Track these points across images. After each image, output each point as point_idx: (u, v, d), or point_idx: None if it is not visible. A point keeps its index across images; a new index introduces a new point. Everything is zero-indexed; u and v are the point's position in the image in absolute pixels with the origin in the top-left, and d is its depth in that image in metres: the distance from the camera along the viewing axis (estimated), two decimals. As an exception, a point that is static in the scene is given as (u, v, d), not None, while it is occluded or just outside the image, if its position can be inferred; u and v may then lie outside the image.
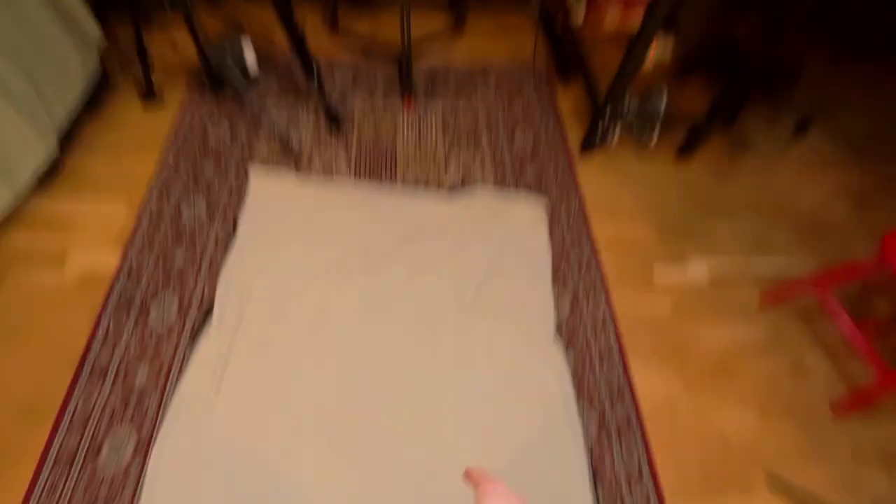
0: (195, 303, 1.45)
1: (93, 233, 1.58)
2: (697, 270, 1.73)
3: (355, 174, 1.82)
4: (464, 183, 1.84)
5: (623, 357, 1.49)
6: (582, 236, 1.75)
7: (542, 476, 1.25)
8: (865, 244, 1.84)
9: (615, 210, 1.85)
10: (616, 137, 1.99)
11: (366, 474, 1.20)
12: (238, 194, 1.71)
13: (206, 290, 1.48)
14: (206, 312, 1.43)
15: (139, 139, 1.85)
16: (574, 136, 2.07)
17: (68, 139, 1.77)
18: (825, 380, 1.52)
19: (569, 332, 1.52)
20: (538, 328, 1.48)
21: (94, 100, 1.91)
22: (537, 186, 1.87)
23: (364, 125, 2.00)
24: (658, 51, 2.35)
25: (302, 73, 1.97)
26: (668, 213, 1.87)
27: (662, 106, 1.95)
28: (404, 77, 2.10)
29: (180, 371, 1.32)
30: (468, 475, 0.48)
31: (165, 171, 1.74)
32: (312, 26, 2.43)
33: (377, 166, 1.86)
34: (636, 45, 1.63)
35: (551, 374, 1.40)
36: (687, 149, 2.02)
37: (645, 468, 1.30)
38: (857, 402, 1.41)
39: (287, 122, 1.97)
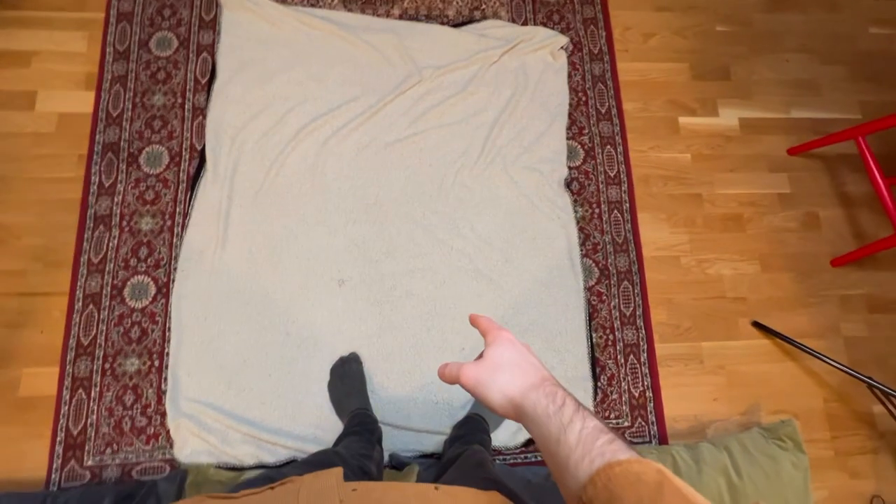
0: (185, 151, 1.37)
1: (57, 70, 1.41)
2: (728, 117, 1.58)
3: (344, 1, 1.55)
4: (473, 14, 1.57)
5: (633, 207, 1.45)
6: (605, 77, 1.55)
7: (541, 317, 1.32)
8: (924, 88, 1.64)
9: (646, 45, 1.61)
10: (661, -51, 1.63)
11: (375, 314, 1.28)
12: (211, 27, 1.47)
13: (193, 137, 1.38)
14: (200, 160, 1.36)
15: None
16: (609, -53, 1.69)
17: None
18: (834, 233, 1.51)
19: (580, 182, 1.46)
20: (548, 177, 1.42)
21: None
22: (559, 18, 1.59)
23: (352, -69, 1.62)
24: None
25: None
26: (706, 51, 1.63)
27: None
28: None
29: (183, 219, 1.31)
30: (475, 321, 0.49)
31: (122, -6, 1.48)
32: None
33: (371, -12, 1.56)
34: None
35: (557, 223, 1.39)
36: (745, -35, 1.66)
37: (639, 312, 1.38)
38: (859, 254, 1.42)
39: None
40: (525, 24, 1.57)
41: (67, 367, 1.19)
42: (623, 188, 1.46)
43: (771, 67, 1.63)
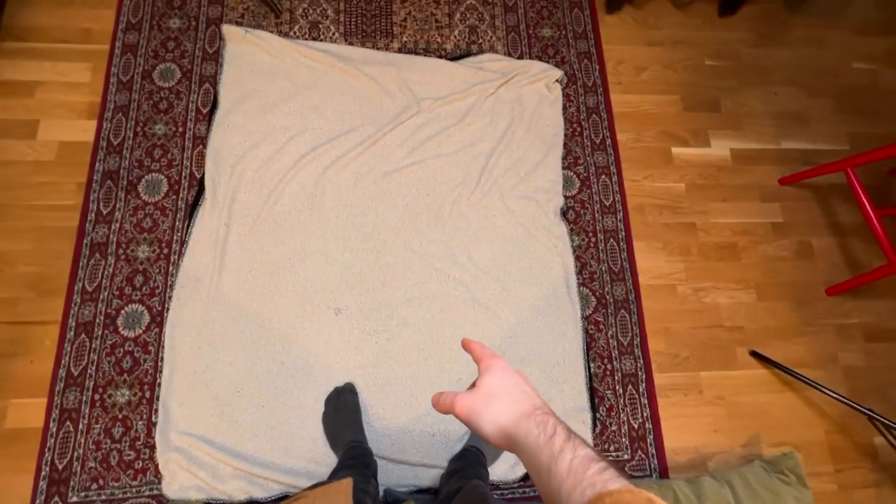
0: (185, 179, 1.38)
1: (60, 100, 1.42)
2: (720, 148, 1.61)
3: (345, 34, 1.59)
4: (470, 47, 1.62)
5: (629, 236, 1.46)
6: (599, 109, 1.59)
7: (538, 346, 1.31)
8: (909, 120, 1.68)
9: (639, 78, 1.66)
10: (650, -12, 1.69)
11: (371, 343, 1.27)
12: (214, 59, 1.51)
13: (193, 166, 1.39)
14: (199, 188, 1.36)
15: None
16: (601, -15, 1.76)
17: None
18: (827, 262, 1.52)
19: (576, 211, 1.47)
20: (544, 206, 1.43)
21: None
22: (554, 52, 1.64)
23: (353, -31, 1.68)
24: None
25: None
26: (697, 84, 1.68)
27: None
28: None
29: (180, 247, 1.31)
30: (468, 347, 0.48)
31: (127, 30, 1.51)
32: None
33: (370, 25, 1.61)
34: None
35: (554, 252, 1.39)
36: (732, 4, 1.73)
37: (637, 341, 1.37)
38: (854, 283, 1.42)
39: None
40: (521, 57, 1.61)
41: (56, 397, 1.16)
42: (619, 217, 1.48)
43: (760, 100, 1.68)
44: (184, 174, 1.38)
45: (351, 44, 1.57)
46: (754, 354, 1.41)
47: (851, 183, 1.37)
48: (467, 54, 1.60)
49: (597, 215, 1.47)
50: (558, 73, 1.58)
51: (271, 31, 1.54)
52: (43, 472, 1.11)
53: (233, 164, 1.38)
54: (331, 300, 1.30)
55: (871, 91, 1.73)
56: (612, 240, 1.46)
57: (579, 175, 1.51)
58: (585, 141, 1.55)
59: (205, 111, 1.45)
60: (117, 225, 1.32)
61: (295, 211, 1.36)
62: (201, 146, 1.41)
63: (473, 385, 0.44)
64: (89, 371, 1.19)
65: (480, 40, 1.63)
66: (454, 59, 1.58)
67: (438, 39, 1.62)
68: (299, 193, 1.38)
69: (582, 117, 1.57)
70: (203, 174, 1.37)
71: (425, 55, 1.58)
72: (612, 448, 1.27)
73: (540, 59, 1.62)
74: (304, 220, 1.36)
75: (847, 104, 1.70)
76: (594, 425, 1.28)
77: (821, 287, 1.49)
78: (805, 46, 1.77)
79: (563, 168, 1.50)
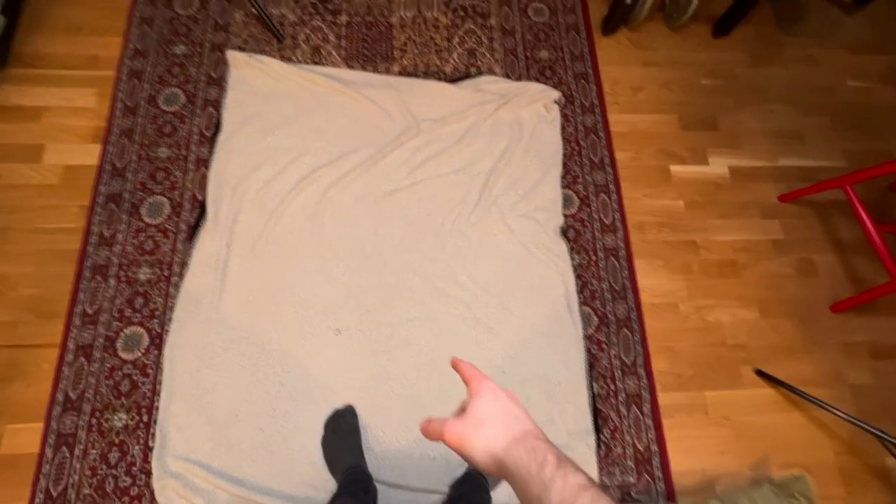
0: (186, 201, 1.39)
1: (66, 124, 1.45)
2: (718, 165, 1.62)
3: (346, 58, 1.62)
4: (469, 70, 1.65)
5: (629, 254, 1.46)
6: (597, 128, 1.61)
7: (541, 366, 1.30)
8: (906, 137, 1.69)
9: (636, 99, 1.68)
10: (645, 12, 1.73)
11: (372, 364, 1.26)
12: (218, 84, 1.53)
13: (195, 188, 1.41)
14: (200, 210, 1.37)
15: (95, 14, 1.60)
16: (597, 11, 1.79)
17: (12, 24, 1.54)
18: (830, 279, 1.51)
19: (576, 230, 1.47)
20: (544, 225, 1.43)
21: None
22: (551, 73, 1.67)
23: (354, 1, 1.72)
24: None
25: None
26: (693, 103, 1.70)
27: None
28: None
29: (182, 269, 1.31)
30: (457, 366, 0.47)
31: (133, 57, 1.55)
32: None
33: (370, 49, 1.64)
34: None
35: (555, 271, 1.39)
36: (725, 25, 1.76)
37: (640, 361, 1.36)
38: (858, 300, 1.41)
39: (266, -6, 1.70)
40: (519, 79, 1.64)
41: (52, 422, 1.15)
42: (619, 235, 1.48)
43: (756, 118, 1.70)
44: (186, 196, 1.40)
45: (352, 68, 1.60)
46: (759, 373, 1.39)
47: (851, 200, 1.37)
48: (466, 76, 1.63)
49: (597, 234, 1.48)
50: (556, 94, 1.60)
51: (274, 57, 1.57)
52: (37, 500, 1.09)
53: (235, 186, 1.39)
54: (331, 321, 1.29)
55: (866, 108, 1.75)
56: (612, 258, 1.46)
57: (579, 194, 1.52)
58: (584, 160, 1.56)
59: (208, 134, 1.47)
60: (119, 247, 1.32)
61: (296, 232, 1.37)
62: (204, 168, 1.42)
63: (463, 409, 0.42)
64: (87, 395, 1.18)
65: (479, 63, 1.66)
66: (453, 81, 1.61)
67: (438, 62, 1.65)
68: (300, 214, 1.38)
69: (580, 137, 1.59)
70: (205, 196, 1.38)
71: (425, 78, 1.61)
72: (617, 471, 1.25)
73: (538, 80, 1.64)
74: (305, 241, 1.36)
75: (843, 121, 1.71)
76: (598, 447, 1.25)
77: (824, 304, 1.48)
78: (799, 65, 1.79)
79: (563, 187, 1.51)
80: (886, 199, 1.63)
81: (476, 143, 1.50)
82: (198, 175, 1.42)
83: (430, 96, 1.54)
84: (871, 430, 1.22)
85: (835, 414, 1.27)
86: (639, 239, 1.50)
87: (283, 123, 1.47)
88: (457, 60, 1.66)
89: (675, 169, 1.60)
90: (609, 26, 1.73)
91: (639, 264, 1.46)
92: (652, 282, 1.46)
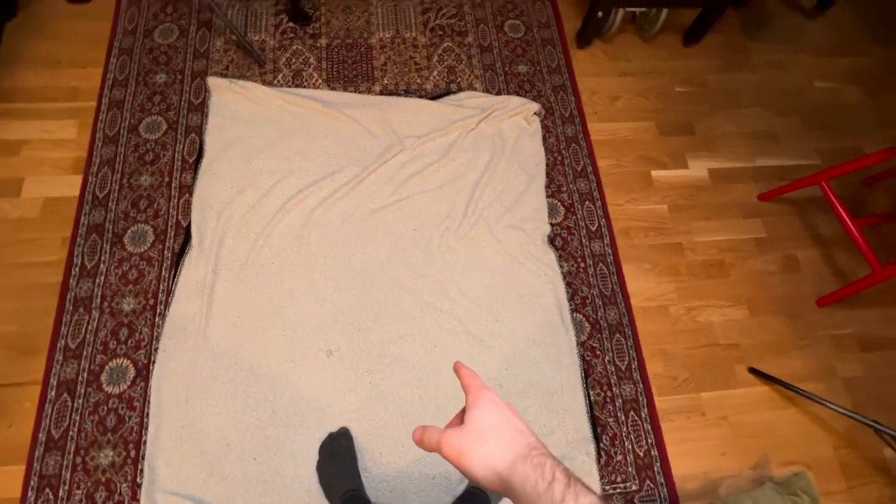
0: (170, 228, 1.38)
1: (46, 157, 1.44)
2: (697, 169, 1.65)
3: (327, 80, 1.64)
4: (449, 86, 1.67)
5: (617, 259, 1.47)
6: (578, 138, 1.64)
7: (536, 376, 1.29)
8: (876, 133, 1.75)
9: (614, 108, 1.72)
10: (616, 25, 1.78)
11: (365, 384, 1.24)
12: (199, 110, 1.54)
13: (179, 214, 1.39)
14: (185, 237, 1.36)
15: (75, 47, 1.61)
16: (571, 25, 1.85)
17: (-6, 50, 1.54)
18: (814, 274, 1.54)
19: (563, 238, 1.48)
20: (531, 234, 1.44)
21: (11, 4, 1.62)
22: (530, 86, 1.70)
23: (333, 22, 1.75)
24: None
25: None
26: (670, 110, 1.74)
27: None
28: (375, -43, 1.81)
29: (167, 298, 1.29)
30: (458, 371, 0.45)
31: (113, 87, 1.55)
32: None
33: (351, 70, 1.67)
34: None
35: (544, 280, 1.39)
36: (694, 34, 1.82)
37: (635, 365, 1.36)
38: (842, 294, 1.44)
39: (246, 24, 1.72)
40: (499, 93, 1.67)
41: (35, 463, 1.11)
42: (605, 241, 1.49)
43: (731, 121, 1.74)
44: (170, 223, 1.38)
45: (334, 89, 1.62)
46: (753, 371, 1.39)
47: (827, 195, 1.41)
48: (447, 93, 1.65)
49: (584, 241, 1.49)
50: (536, 107, 1.63)
51: (256, 81, 1.58)
52: (19, 547, 1.04)
53: (219, 211, 1.38)
54: (322, 342, 1.27)
55: (834, 108, 1.81)
56: (600, 264, 1.47)
57: (563, 202, 1.54)
58: (567, 169, 1.59)
59: (191, 160, 1.46)
60: (102, 278, 1.30)
61: (283, 254, 1.36)
62: (187, 195, 1.41)
63: (460, 419, 0.40)
64: (71, 433, 1.14)
65: (459, 79, 1.69)
66: (435, 98, 1.63)
67: (418, 80, 1.68)
68: (286, 236, 1.38)
69: (562, 147, 1.62)
70: (189, 222, 1.37)
71: (406, 96, 1.63)
72: (619, 479, 1.23)
73: (517, 93, 1.67)
74: (292, 263, 1.35)
75: (813, 121, 1.77)
76: (598, 455, 1.24)
77: (810, 299, 1.50)
78: (768, 70, 1.85)
79: (548, 196, 1.52)
80: (861, 193, 1.67)
81: (460, 157, 1.51)
82: (181, 202, 1.41)
83: (412, 113, 1.56)
84: (867, 422, 1.23)
85: (830, 408, 1.28)
86: (625, 244, 1.51)
87: (266, 146, 1.47)
88: (437, 78, 1.68)
89: (657, 174, 1.62)
90: (583, 39, 1.78)
91: (627, 269, 1.48)
92: (641, 286, 1.47)
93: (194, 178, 1.43)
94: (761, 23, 1.94)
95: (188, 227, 1.37)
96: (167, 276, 1.32)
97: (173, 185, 1.43)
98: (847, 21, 1.99)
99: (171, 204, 1.41)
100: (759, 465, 1.30)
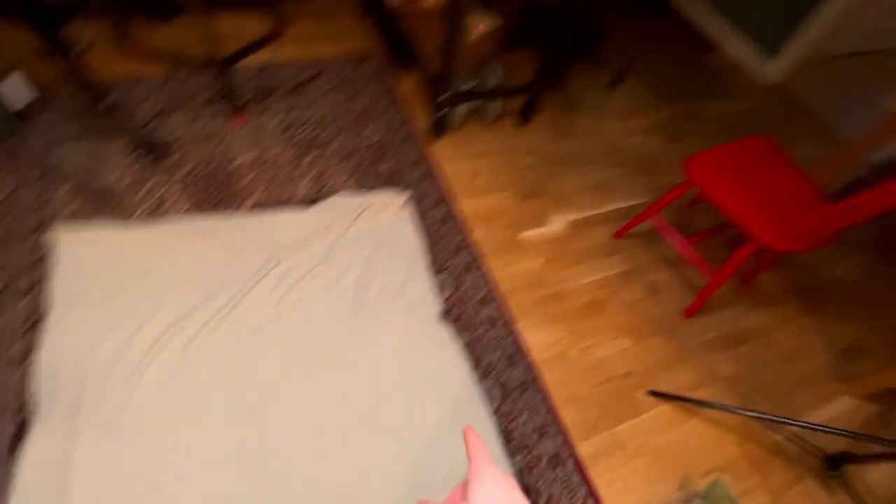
0: (10, 407, 1.17)
1: None
2: (558, 223, 1.86)
3: (193, 207, 1.62)
4: (320, 192, 1.74)
5: (509, 322, 1.55)
6: (449, 218, 1.77)
7: (458, 458, 1.25)
8: (680, 169, 2.14)
9: (476, 185, 1.91)
10: (461, 116, 2.04)
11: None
12: (41, 266, 1.40)
13: (21, 387, 1.20)
14: (28, 410, 1.16)
15: None
16: (424, 120, 2.08)
17: None
18: (674, 292, 1.75)
19: (455, 313, 1.53)
20: (424, 317, 1.47)
21: None
22: (397, 180, 1.84)
23: (192, 150, 1.77)
24: (484, 27, 2.45)
25: (96, 100, 1.68)
26: (523, 178, 1.98)
27: (498, 80, 2.04)
28: (227, 89, 1.91)
29: (4, 495, 1.05)
30: (467, 438, 0.45)
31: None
32: (102, 43, 2.08)
33: (217, 194, 1.67)
34: (450, 20, 1.65)
35: (445, 357, 1.41)
36: (526, 115, 2.15)
37: (550, 418, 1.38)
38: (699, 303, 1.65)
39: (96, 164, 1.67)
40: (369, 191, 1.77)
41: None
42: (495, 305, 1.57)
43: (574, 179, 2.02)
44: (9, 407, 1.18)
45: (203, 211, 1.59)
46: (653, 393, 1.49)
47: (662, 225, 1.66)
48: (318, 198, 1.71)
49: (475, 310, 1.55)
50: (405, 197, 1.76)
51: (110, 221, 1.50)
52: None
53: (74, 367, 1.22)
54: (220, 491, 1.12)
55: (646, 156, 2.20)
56: (496, 327, 1.53)
57: (450, 277, 1.61)
58: (445, 247, 1.69)
59: (32, 321, 1.30)
60: None
61: (158, 400, 1.21)
62: (32, 361, 1.23)
63: (462, 491, 0.41)
64: None
65: (328, 184, 1.77)
66: (307, 204, 1.68)
67: (289, 191, 1.72)
68: (161, 376, 1.24)
69: (436, 227, 1.73)
70: (35, 392, 1.18)
71: (278, 207, 1.66)
72: (563, 544, 1.19)
73: (386, 188, 1.79)
74: (171, 405, 1.21)
75: (636, 168, 2.13)
76: (539, 525, 1.19)
77: (678, 314, 1.70)
78: (590, 134, 2.23)
79: (433, 275, 1.59)
80: (688, 215, 2.00)
81: (339, 257, 1.54)
82: (23, 370, 1.22)
83: (285, 225, 1.58)
84: (749, 413, 1.36)
85: (722, 409, 1.40)
86: (514, 303, 1.61)
87: (125, 288, 1.37)
88: (306, 187, 1.75)
89: (525, 235, 1.80)
90: (436, 133, 2.01)
91: (521, 326, 1.55)
92: (537, 339, 1.54)
93: (40, 338, 1.26)
94: (576, 100, 2.36)
95: (30, 401, 1.17)
96: (4, 461, 1.09)
97: (11, 356, 1.24)
98: (640, 88, 2.49)
99: (12, 376, 1.21)
100: (684, 485, 1.35)
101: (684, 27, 2.96)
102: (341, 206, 1.68)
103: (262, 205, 1.66)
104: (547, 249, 1.78)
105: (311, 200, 1.71)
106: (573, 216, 1.90)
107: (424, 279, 1.56)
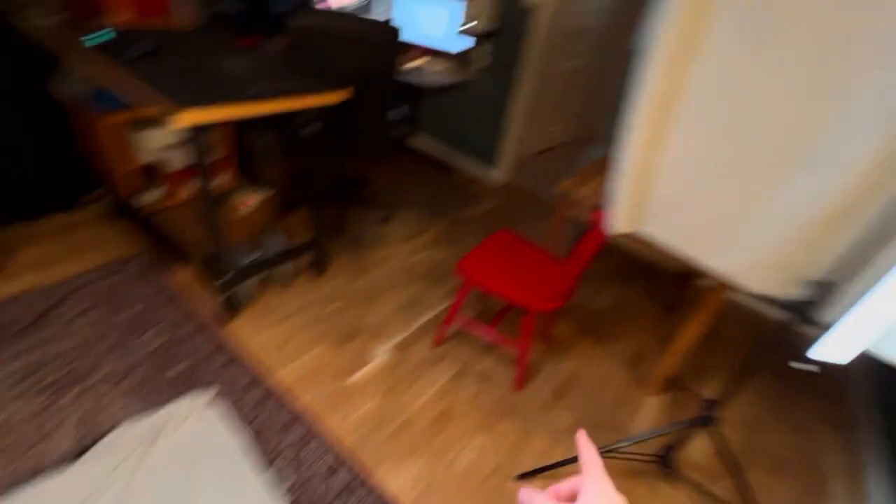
0: None
1: None
2: (382, 354, 1.91)
3: None
4: (89, 436, 1.42)
5: (366, 479, 1.45)
6: (268, 396, 1.64)
7: None
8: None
9: (288, 351, 1.85)
10: (254, 288, 2.02)
11: None
12: None
13: None
14: None
15: None
16: (213, 305, 1.96)
17: None
18: (501, 372, 1.94)
19: (305, 501, 1.36)
20: (270, 524, 1.26)
21: None
22: (195, 380, 1.65)
23: None
24: (253, 202, 2.57)
25: None
26: (335, 325, 2.01)
27: (281, 244, 2.12)
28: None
29: None
30: (580, 446, 0.45)
31: None
32: None
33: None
34: (206, 206, 1.69)
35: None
36: (320, 267, 2.25)
37: (441, 562, 1.28)
38: (521, 372, 1.86)
39: None
40: (165, 403, 1.53)
41: None
42: (345, 468, 1.46)
43: (384, 306, 2.15)
44: None
45: None
46: (520, 477, 1.55)
47: (465, 323, 1.87)
48: (96, 439, 1.39)
49: (326, 485, 1.41)
50: (210, 393, 1.57)
51: None
52: None
53: None
54: None
55: (435, 265, 2.51)
56: (355, 492, 1.41)
57: (287, 461, 1.45)
58: (271, 430, 1.54)
59: None
60: None
61: None
62: None
63: (570, 490, 0.43)
64: None
65: (107, 415, 1.46)
66: (79, 455, 1.34)
67: (48, 451, 1.36)
68: None
69: (255, 414, 1.58)
70: None
71: (37, 478, 1.27)
72: None
73: (184, 393, 1.58)
74: None
75: (430, 279, 2.40)
76: None
77: (511, 392, 1.86)
78: (383, 263, 2.44)
79: (267, 469, 1.41)
80: (485, 299, 2.30)
81: (151, 486, 1.24)
82: None
83: (56, 490, 1.22)
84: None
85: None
86: (366, 454, 1.52)
87: None
88: (70, 436, 1.41)
89: (353, 379, 1.78)
90: (230, 313, 1.91)
91: (381, 474, 1.47)
92: (400, 480, 1.47)
93: None
94: (359, 238, 2.61)
95: None
96: None
97: None
98: (410, 213, 2.91)
99: None
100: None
101: (426, 159, 3.68)
102: (128, 437, 1.40)
103: (12, 484, 1.26)
104: (380, 383, 1.79)
105: (84, 448, 1.37)
106: (393, 342, 1.99)
107: (257, 476, 1.36)
